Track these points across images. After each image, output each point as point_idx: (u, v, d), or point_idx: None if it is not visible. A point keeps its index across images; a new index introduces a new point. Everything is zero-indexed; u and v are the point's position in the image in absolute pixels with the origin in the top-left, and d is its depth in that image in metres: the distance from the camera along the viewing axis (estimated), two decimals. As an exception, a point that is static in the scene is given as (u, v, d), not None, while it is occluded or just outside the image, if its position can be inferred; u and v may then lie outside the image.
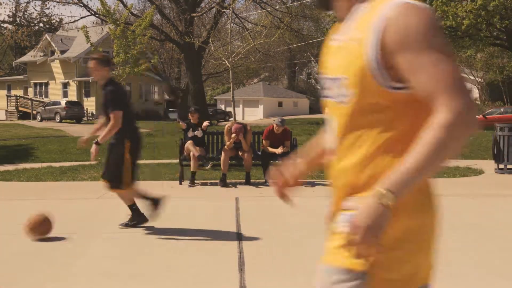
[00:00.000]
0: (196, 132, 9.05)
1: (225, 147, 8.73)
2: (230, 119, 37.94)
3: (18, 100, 42.94)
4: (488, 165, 11.20)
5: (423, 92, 1.34)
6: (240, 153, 8.77)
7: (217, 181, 9.09)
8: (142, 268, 4.15)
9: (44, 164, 11.83)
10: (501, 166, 10.30)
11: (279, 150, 8.78)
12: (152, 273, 4.04)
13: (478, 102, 37.84)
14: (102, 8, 12.20)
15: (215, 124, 33.98)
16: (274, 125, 8.96)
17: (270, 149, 8.85)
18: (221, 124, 34.01)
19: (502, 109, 30.39)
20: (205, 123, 9.09)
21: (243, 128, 8.70)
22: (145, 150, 15.38)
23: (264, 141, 9.04)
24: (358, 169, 1.44)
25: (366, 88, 1.41)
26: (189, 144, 8.77)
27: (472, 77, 39.18)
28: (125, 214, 6.48)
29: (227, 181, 8.77)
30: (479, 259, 4.43)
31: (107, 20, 13.21)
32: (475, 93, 39.53)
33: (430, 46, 1.34)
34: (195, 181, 8.76)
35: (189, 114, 9.36)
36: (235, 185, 8.78)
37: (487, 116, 28.99)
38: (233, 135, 8.62)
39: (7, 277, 4.00)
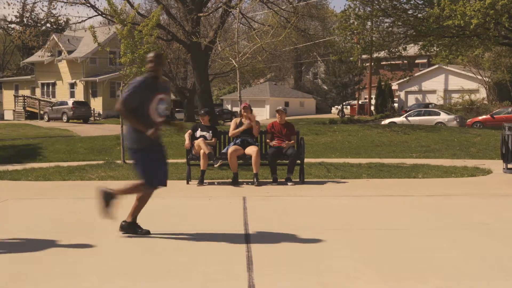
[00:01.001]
0: (205, 133, 9.05)
1: (230, 134, 9.08)
2: (236, 119, 37.86)
3: (25, 100, 43.21)
4: (497, 164, 11.16)
5: None
6: (246, 153, 8.77)
7: (224, 180, 9.15)
8: (151, 267, 4.17)
9: (52, 164, 11.89)
10: (510, 165, 10.25)
11: (283, 144, 8.93)
12: (161, 272, 4.05)
13: (486, 102, 37.64)
14: (109, 8, 12.20)
15: (221, 124, 34.04)
16: (276, 114, 9.31)
17: (273, 143, 8.98)
18: (227, 124, 34.05)
19: (510, 109, 30.28)
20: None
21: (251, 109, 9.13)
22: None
23: (268, 134, 9.25)
24: None
25: None
26: (200, 141, 8.69)
27: (479, 77, 38.99)
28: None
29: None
30: (488, 258, 4.41)
31: (114, 20, 13.24)
32: (483, 93, 39.32)
33: None
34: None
35: (199, 117, 9.43)
36: (242, 184, 8.78)
37: (495, 116, 28.88)
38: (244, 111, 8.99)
39: (17, 274, 4.02)
